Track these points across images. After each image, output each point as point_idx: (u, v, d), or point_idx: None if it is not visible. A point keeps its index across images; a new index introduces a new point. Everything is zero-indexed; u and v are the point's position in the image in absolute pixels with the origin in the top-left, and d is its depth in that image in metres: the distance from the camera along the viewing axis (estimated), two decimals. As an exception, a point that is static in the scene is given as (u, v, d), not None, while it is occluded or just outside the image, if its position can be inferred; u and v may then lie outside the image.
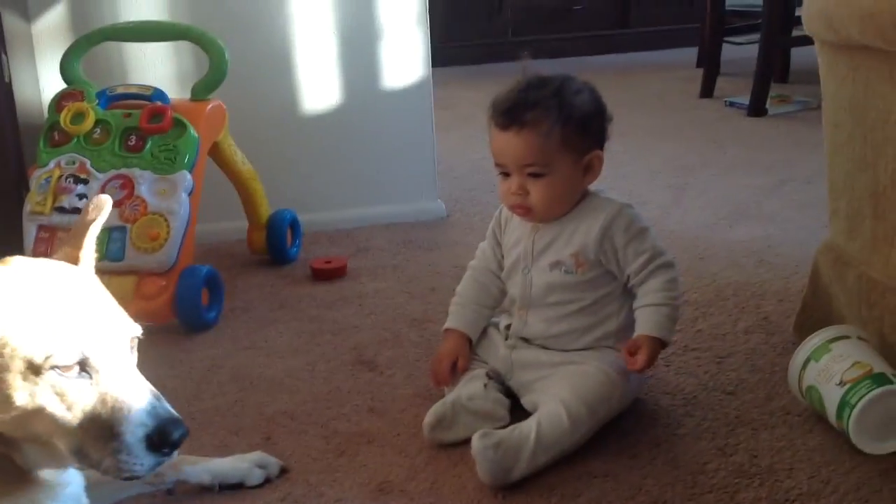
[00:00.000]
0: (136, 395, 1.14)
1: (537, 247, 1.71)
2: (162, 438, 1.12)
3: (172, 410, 1.16)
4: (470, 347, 1.76)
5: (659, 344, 1.62)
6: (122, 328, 1.18)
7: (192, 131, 2.19)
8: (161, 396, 1.17)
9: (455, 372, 1.72)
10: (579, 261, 1.67)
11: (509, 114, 1.63)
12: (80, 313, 1.14)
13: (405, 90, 2.84)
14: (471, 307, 1.79)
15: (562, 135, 1.62)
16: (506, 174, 1.68)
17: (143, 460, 1.12)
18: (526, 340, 1.74)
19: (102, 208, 1.29)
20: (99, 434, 1.12)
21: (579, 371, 1.63)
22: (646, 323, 1.62)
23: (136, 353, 1.21)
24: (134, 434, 1.11)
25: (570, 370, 1.64)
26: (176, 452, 1.16)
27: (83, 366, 1.12)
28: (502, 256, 1.79)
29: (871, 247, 1.68)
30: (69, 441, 1.13)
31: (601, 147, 1.68)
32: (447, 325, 1.79)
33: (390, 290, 2.35)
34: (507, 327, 1.78)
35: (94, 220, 1.28)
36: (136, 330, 1.21)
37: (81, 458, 1.14)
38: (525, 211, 1.68)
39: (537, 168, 1.63)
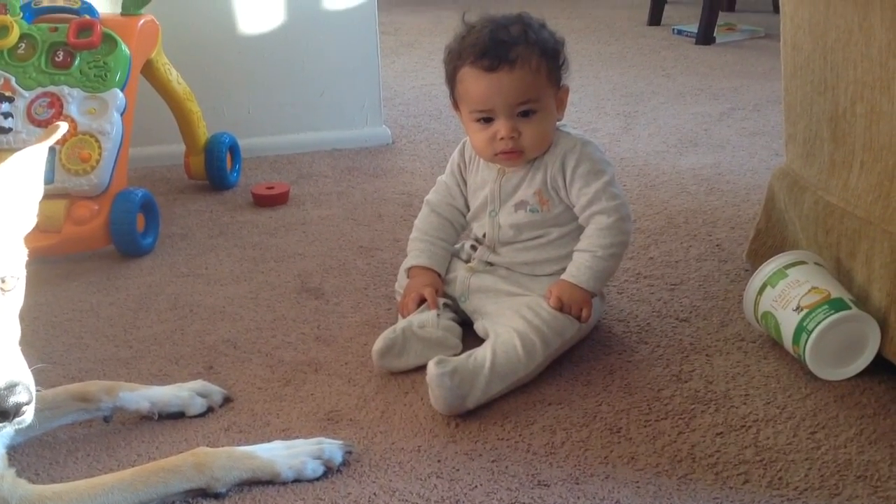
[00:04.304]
0: None
1: (504, 190, 1.67)
2: None
3: (16, 374, 1.06)
4: (441, 282, 1.71)
5: (572, 287, 1.59)
6: None
7: (124, 47, 2.08)
8: (16, 355, 1.07)
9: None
10: (542, 198, 1.64)
11: (494, 54, 1.56)
12: None
13: (349, 12, 2.73)
14: (437, 243, 1.74)
15: (547, 69, 1.59)
16: (487, 120, 1.61)
17: None
18: (490, 265, 1.70)
19: (51, 134, 1.20)
20: None
21: (535, 303, 1.59)
22: (567, 268, 1.62)
23: (15, 296, 1.12)
24: None
25: (525, 301, 1.61)
26: (24, 419, 1.07)
27: None
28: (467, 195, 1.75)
29: (829, 171, 1.65)
30: None
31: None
32: (414, 262, 1.72)
33: (335, 218, 2.28)
34: (473, 248, 1.74)
35: (35, 145, 1.18)
36: (11, 271, 1.11)
37: None
38: (516, 155, 1.62)
39: (531, 105, 1.58)
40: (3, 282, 1.10)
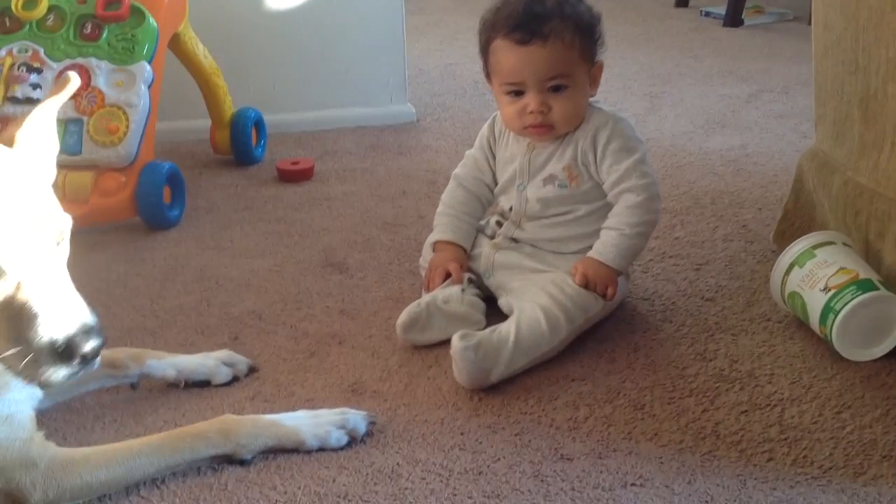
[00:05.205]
0: (49, 300, 1.03)
1: (534, 164, 1.66)
2: (71, 349, 1.03)
3: (89, 318, 1.06)
4: (466, 257, 1.71)
5: (598, 265, 1.58)
6: (42, 222, 1.06)
7: (152, 20, 2.08)
8: (81, 301, 1.07)
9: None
10: (572, 174, 1.64)
11: (528, 27, 1.56)
12: None
13: (375, -12, 2.73)
14: (463, 218, 1.73)
15: (581, 44, 1.58)
16: (517, 93, 1.60)
17: (52, 370, 1.04)
18: (515, 241, 1.70)
19: (64, 87, 1.19)
20: (9, 337, 1.03)
21: (559, 279, 1.59)
22: (594, 245, 1.61)
23: (66, 246, 1.12)
24: (40, 342, 1.02)
25: (550, 277, 1.60)
26: (97, 361, 1.07)
27: None
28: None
29: (860, 152, 1.63)
30: None
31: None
32: (439, 237, 1.72)
33: (359, 194, 2.28)
34: (498, 223, 1.73)
35: (51, 98, 1.18)
36: (64, 222, 1.10)
37: (2, 360, 1.05)
38: (546, 129, 1.62)
39: (562, 80, 1.58)
40: (60, 234, 1.10)
